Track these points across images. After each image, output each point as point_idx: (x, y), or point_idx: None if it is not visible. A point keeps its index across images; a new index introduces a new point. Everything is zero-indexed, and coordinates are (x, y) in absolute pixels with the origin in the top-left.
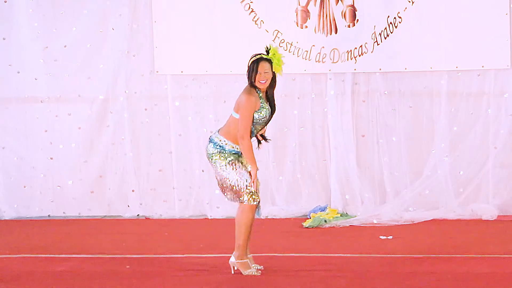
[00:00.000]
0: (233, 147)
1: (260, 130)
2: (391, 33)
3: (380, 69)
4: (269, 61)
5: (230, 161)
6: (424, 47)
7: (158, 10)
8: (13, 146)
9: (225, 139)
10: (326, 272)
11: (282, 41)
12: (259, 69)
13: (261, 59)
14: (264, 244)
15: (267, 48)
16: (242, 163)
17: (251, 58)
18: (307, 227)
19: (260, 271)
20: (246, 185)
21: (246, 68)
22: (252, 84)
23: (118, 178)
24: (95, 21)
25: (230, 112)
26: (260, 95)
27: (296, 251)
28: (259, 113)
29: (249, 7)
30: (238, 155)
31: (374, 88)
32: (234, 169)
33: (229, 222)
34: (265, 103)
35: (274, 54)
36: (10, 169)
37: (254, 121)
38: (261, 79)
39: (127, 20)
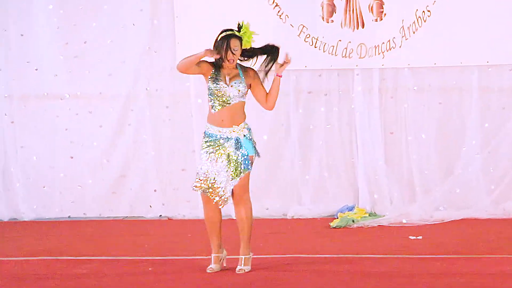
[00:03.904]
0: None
1: (223, 105)
2: (420, 27)
3: (408, 65)
4: (240, 38)
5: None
6: (454, 41)
7: (180, 5)
8: (32, 145)
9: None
10: (354, 273)
11: (308, 36)
12: (230, 45)
13: (232, 35)
14: (290, 245)
15: (240, 25)
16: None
17: (221, 33)
18: (334, 227)
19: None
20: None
21: (213, 42)
22: (219, 61)
23: (140, 177)
24: (116, 16)
25: (257, 109)
26: (221, 70)
27: (323, 252)
28: (215, 84)
29: (274, 1)
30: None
31: (402, 84)
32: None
33: (255, 222)
34: (226, 80)
35: (246, 31)
36: (29, 169)
37: (210, 90)
38: (230, 56)
39: (148, 16)
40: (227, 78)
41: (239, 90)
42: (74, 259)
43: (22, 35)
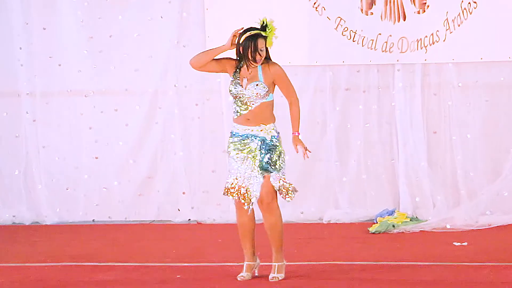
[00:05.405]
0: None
1: (246, 109)
2: (465, 19)
3: (453, 60)
4: (265, 37)
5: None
6: (502, 35)
7: None
8: (55, 145)
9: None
10: (394, 281)
11: (345, 29)
12: (258, 46)
13: (258, 35)
14: (326, 251)
15: (264, 23)
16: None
17: (244, 32)
18: (373, 233)
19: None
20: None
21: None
22: (246, 62)
23: (167, 179)
24: (143, 9)
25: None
26: (240, 71)
27: (361, 259)
28: (234, 87)
29: None
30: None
31: (446, 80)
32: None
33: (289, 227)
34: (242, 83)
35: (271, 30)
36: (52, 170)
37: (231, 93)
38: (258, 58)
39: (177, 8)
40: (245, 81)
41: (256, 93)
42: (99, 265)
43: (44, 29)
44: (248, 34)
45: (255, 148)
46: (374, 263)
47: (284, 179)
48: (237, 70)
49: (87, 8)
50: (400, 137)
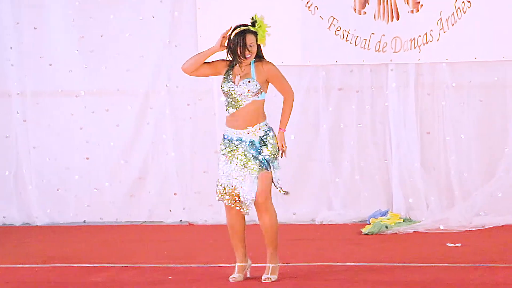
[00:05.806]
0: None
1: (236, 107)
2: (459, 19)
3: (446, 59)
4: (255, 33)
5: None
6: (496, 34)
7: None
8: (45, 146)
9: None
10: (387, 283)
11: (338, 28)
12: (246, 42)
13: (247, 31)
14: (318, 253)
15: (254, 19)
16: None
17: (234, 29)
18: (366, 234)
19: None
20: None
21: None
22: (236, 58)
23: (159, 180)
24: (134, 8)
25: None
26: (233, 69)
27: (354, 260)
28: (225, 84)
29: None
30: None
31: (440, 80)
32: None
33: (282, 228)
34: (235, 80)
35: (260, 26)
36: (42, 171)
37: (223, 91)
38: (247, 53)
39: (169, 7)
40: (237, 78)
41: (248, 90)
42: (90, 266)
43: (35, 28)
44: (237, 30)
45: (243, 152)
46: (367, 264)
47: (281, 189)
48: (230, 68)
49: (78, 7)
50: (394, 138)
